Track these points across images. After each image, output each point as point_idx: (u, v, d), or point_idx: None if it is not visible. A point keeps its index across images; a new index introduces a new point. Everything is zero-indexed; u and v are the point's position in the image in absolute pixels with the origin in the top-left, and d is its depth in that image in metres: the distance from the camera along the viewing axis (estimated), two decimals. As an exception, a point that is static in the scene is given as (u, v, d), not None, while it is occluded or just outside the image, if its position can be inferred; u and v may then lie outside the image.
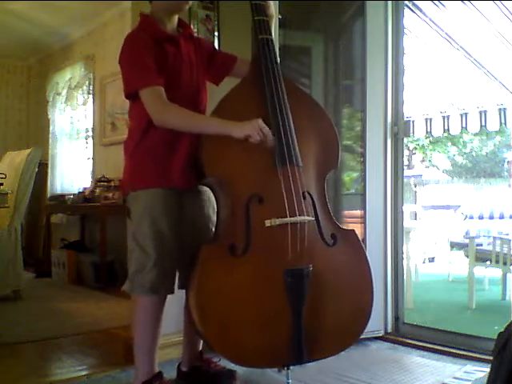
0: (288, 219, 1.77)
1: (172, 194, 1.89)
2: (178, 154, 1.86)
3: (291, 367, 1.81)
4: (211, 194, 1.96)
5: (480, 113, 5.26)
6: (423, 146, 15.49)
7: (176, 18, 1.98)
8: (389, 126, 2.90)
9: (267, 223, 1.76)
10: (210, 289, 1.73)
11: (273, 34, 2.01)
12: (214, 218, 1.96)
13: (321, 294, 1.81)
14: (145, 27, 1.90)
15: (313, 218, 1.83)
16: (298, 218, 1.78)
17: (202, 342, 2.09)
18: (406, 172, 12.33)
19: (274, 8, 2.06)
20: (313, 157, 1.92)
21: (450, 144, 15.73)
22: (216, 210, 1.94)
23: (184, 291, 1.91)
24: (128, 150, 1.93)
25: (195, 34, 2.12)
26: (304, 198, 1.82)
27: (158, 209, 1.86)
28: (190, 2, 1.98)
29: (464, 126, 5.38)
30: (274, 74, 1.89)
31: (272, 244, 1.77)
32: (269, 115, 1.83)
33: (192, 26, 2.53)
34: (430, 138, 14.26)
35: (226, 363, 2.07)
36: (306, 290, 1.77)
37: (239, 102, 1.89)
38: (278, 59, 1.98)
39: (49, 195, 5.74)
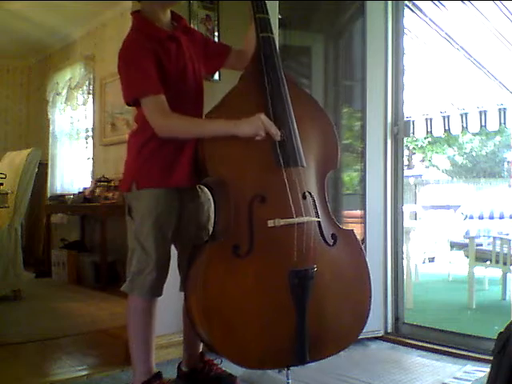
0: (295, 219, 1.75)
1: (175, 194, 1.88)
2: (184, 153, 1.84)
3: (291, 367, 1.81)
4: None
5: (480, 113, 5.27)
6: (422, 147, 15.52)
7: (169, 10, 1.92)
8: (389, 126, 2.90)
9: (270, 223, 1.74)
10: (214, 291, 1.70)
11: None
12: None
13: (323, 294, 1.81)
14: (141, 27, 1.85)
15: (318, 219, 1.83)
16: (304, 219, 1.77)
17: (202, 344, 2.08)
18: (406, 172, 12.34)
19: None
20: (313, 157, 1.90)
21: (446, 146, 15.77)
22: (214, 209, 1.94)
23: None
24: (134, 148, 1.90)
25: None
26: (305, 198, 1.82)
27: (160, 210, 1.85)
28: None
29: (464, 126, 5.39)
30: (277, 73, 1.86)
31: (275, 245, 1.76)
32: (271, 114, 1.80)
33: (192, 26, 2.52)
34: (429, 139, 14.28)
35: (226, 366, 2.06)
36: (311, 290, 1.76)
37: (241, 101, 1.86)
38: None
39: (49, 195, 5.74)
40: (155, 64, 1.78)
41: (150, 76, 1.76)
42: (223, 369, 2.08)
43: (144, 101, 1.77)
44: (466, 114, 5.36)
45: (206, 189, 1.98)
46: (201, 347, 2.10)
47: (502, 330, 1.42)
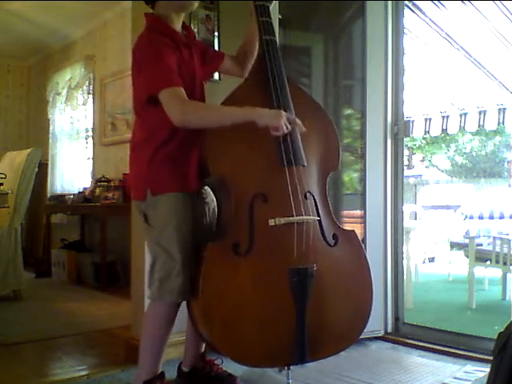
0: (294, 218, 1.76)
1: (189, 198, 1.88)
2: (193, 157, 1.85)
3: (291, 367, 1.81)
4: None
5: (480, 113, 5.27)
6: (420, 147, 15.52)
7: (182, 18, 1.94)
8: (389, 126, 2.90)
9: (271, 222, 1.75)
10: (214, 289, 1.72)
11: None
12: None
13: (323, 294, 1.82)
14: (158, 28, 1.85)
15: (318, 218, 1.84)
16: (304, 218, 1.78)
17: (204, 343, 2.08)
18: (406, 172, 12.33)
19: None
20: (315, 157, 1.92)
21: (444, 146, 15.79)
22: (217, 209, 1.95)
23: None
24: (144, 156, 1.87)
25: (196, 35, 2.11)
26: (306, 198, 1.82)
27: (180, 212, 1.84)
28: (198, 1, 1.96)
29: (463, 125, 5.39)
30: (279, 75, 1.89)
31: (276, 243, 1.77)
32: None
33: (192, 26, 2.52)
34: (427, 139, 14.28)
35: (227, 366, 2.07)
36: (310, 289, 1.77)
37: (245, 99, 1.86)
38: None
39: (49, 195, 5.74)
40: (175, 60, 1.80)
41: (171, 69, 1.77)
42: (224, 369, 2.08)
43: (164, 92, 1.74)
44: (465, 114, 5.36)
45: (209, 189, 1.99)
46: (203, 347, 2.10)
47: (502, 329, 1.42)
